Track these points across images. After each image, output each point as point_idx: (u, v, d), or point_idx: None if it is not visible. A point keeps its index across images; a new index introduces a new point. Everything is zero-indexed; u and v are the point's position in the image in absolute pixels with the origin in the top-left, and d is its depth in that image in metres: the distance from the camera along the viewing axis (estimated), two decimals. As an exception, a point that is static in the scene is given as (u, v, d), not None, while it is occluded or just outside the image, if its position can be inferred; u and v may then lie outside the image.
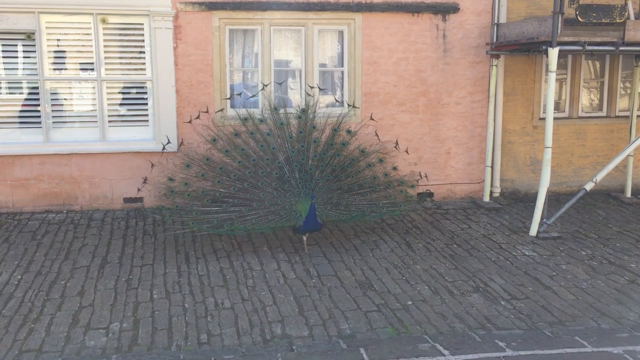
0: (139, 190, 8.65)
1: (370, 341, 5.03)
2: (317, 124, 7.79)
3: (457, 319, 5.54)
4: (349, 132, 8.01)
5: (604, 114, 10.47)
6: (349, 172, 7.67)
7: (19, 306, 5.64)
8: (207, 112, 8.93)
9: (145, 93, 9.02)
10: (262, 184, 7.33)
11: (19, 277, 6.37)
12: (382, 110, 9.35)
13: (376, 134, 9.09)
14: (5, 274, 6.42)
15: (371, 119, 9.14)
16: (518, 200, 9.90)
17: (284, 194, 7.26)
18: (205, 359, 4.70)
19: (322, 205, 7.30)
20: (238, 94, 9.26)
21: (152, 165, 8.32)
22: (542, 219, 8.06)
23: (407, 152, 9.31)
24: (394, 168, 8.12)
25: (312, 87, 9.20)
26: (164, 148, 8.48)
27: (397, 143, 8.92)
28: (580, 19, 8.20)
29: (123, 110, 9.04)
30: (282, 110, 7.78)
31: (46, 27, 8.57)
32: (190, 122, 8.76)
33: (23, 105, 8.80)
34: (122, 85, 8.99)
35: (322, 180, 7.44)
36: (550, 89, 7.90)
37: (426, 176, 9.60)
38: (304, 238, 7.28)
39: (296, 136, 7.61)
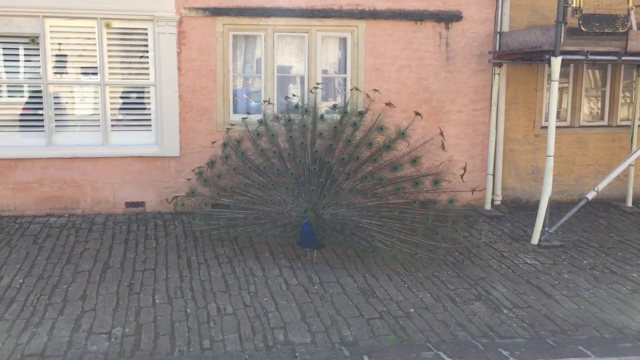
0: (189, 180, 8.29)
1: (373, 349, 5.02)
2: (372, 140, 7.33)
3: (460, 327, 5.53)
4: (402, 133, 7.27)
5: (605, 123, 10.50)
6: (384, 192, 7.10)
7: (21, 310, 5.63)
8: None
9: (148, 98, 9.03)
10: (285, 186, 7.21)
11: (21, 280, 6.36)
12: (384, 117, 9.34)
13: (442, 144, 7.63)
14: (7, 278, 6.41)
15: (417, 113, 8.12)
16: (519, 209, 9.91)
17: (298, 198, 7.12)
18: (208, 365, 4.70)
19: (329, 233, 6.98)
20: (293, 96, 9.17)
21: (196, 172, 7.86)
22: (543, 227, 8.07)
23: (463, 174, 7.70)
24: (451, 202, 7.21)
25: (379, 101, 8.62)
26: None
27: (465, 167, 7.78)
28: (583, 29, 8.23)
29: (126, 115, 9.04)
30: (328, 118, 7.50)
31: (50, 31, 8.58)
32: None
33: (26, 108, 8.80)
34: (125, 89, 9.00)
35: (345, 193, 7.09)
36: (552, 97, 7.92)
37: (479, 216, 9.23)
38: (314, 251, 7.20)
39: (342, 147, 7.27)
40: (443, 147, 7.48)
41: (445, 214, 7.07)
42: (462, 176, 7.30)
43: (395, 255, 6.75)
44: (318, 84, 9.06)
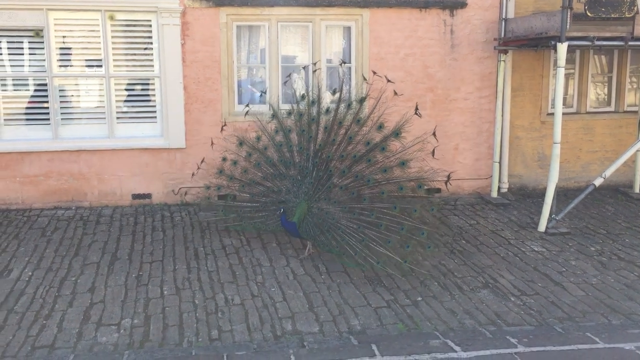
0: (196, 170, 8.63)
1: (381, 337, 5.04)
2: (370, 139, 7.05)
3: (467, 315, 5.54)
4: (396, 134, 6.89)
5: (612, 109, 10.44)
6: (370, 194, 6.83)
7: (31, 302, 5.67)
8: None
9: (153, 90, 9.03)
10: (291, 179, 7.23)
11: (30, 273, 6.40)
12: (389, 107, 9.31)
13: (433, 151, 7.05)
14: (16, 271, 6.45)
15: (416, 110, 7.48)
16: (526, 196, 9.88)
17: (299, 190, 7.11)
18: (217, 355, 4.70)
19: (311, 226, 6.84)
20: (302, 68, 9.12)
21: None
22: (550, 214, 8.05)
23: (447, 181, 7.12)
24: (432, 209, 6.84)
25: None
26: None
27: (450, 176, 7.12)
28: (589, 14, 8.16)
29: (131, 107, 9.05)
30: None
31: (54, 24, 8.58)
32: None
33: (31, 102, 8.82)
34: (129, 81, 9.00)
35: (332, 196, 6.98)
36: (558, 84, 7.87)
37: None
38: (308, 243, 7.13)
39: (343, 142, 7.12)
40: (433, 154, 7.14)
41: (421, 226, 6.39)
42: (446, 183, 6.97)
43: (358, 262, 6.33)
44: (288, 76, 9.11)
